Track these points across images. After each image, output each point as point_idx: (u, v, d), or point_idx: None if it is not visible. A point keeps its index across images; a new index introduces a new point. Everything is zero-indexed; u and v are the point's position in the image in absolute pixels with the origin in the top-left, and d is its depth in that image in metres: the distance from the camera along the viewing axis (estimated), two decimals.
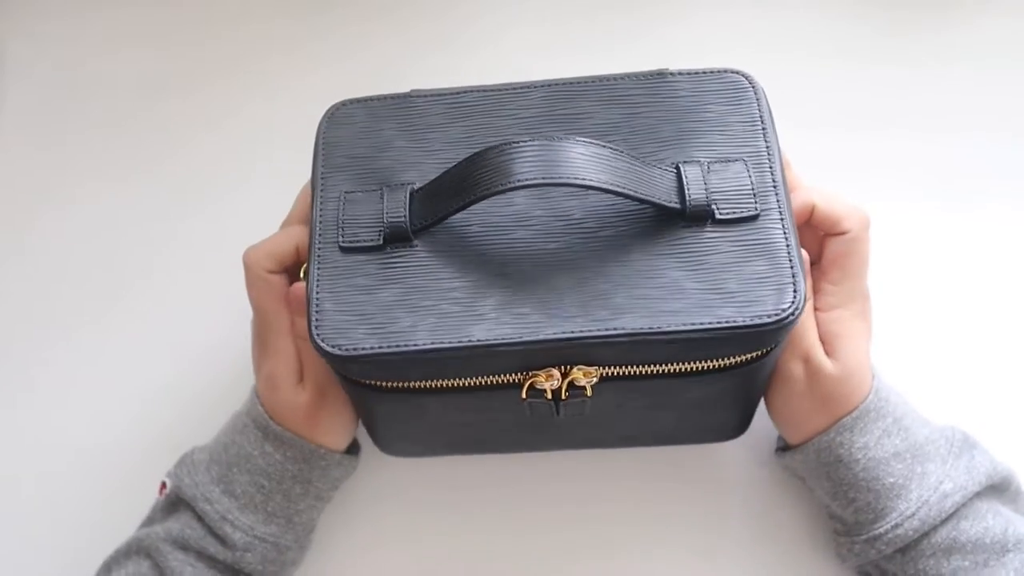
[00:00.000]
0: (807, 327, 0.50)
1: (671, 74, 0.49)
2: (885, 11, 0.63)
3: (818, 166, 0.57)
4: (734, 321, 0.42)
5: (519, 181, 0.41)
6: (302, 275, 0.51)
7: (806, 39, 0.63)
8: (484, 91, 0.50)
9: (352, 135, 0.50)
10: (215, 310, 0.60)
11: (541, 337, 0.43)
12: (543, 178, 0.41)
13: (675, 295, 0.43)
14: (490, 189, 0.42)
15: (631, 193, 0.43)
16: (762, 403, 0.54)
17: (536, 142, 0.42)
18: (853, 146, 0.61)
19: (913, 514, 0.49)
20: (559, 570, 0.57)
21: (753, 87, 0.49)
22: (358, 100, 0.51)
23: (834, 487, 0.51)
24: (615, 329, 0.42)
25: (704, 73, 0.49)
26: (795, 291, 0.43)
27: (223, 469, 0.53)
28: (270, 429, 0.53)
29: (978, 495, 0.50)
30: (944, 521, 0.49)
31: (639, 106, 0.48)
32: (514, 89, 0.50)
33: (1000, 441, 0.53)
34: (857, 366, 0.50)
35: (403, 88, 0.63)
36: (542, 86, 0.50)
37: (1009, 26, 0.62)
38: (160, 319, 0.62)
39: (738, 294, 0.43)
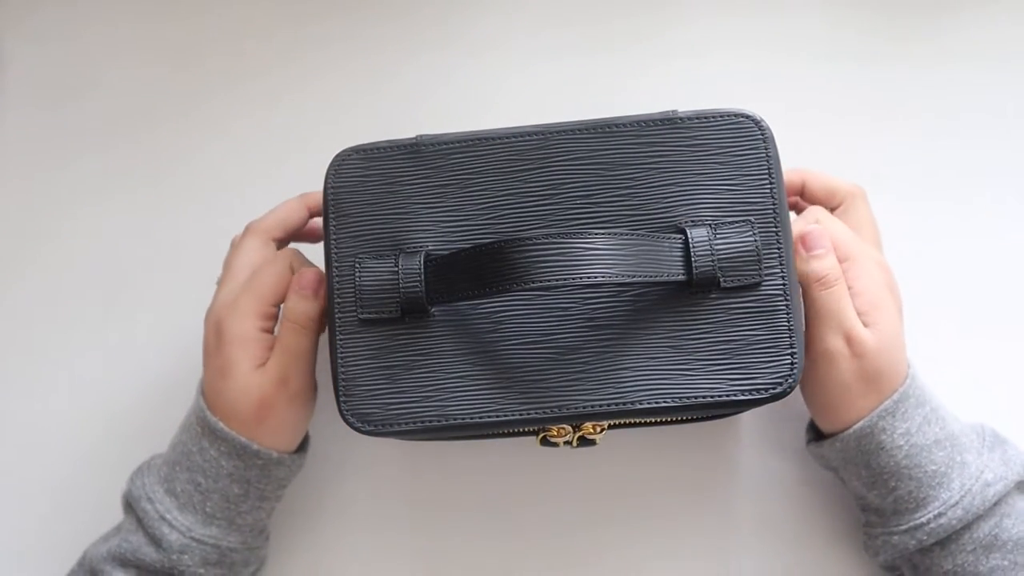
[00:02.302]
0: (844, 305, 0.49)
1: (680, 119, 0.49)
2: (885, 11, 0.63)
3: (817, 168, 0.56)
4: (732, 396, 0.46)
5: (535, 281, 0.44)
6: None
7: (806, 39, 0.63)
8: (491, 142, 0.50)
9: (360, 191, 0.50)
10: None
11: (559, 415, 0.47)
12: (558, 279, 0.44)
13: (680, 367, 0.47)
14: (506, 287, 0.44)
15: (641, 279, 0.46)
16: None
17: (553, 241, 0.44)
18: (853, 146, 0.61)
19: (957, 503, 0.48)
20: (552, 569, 0.58)
21: (763, 133, 0.49)
22: (362, 150, 0.50)
23: (873, 476, 0.50)
24: (623, 405, 0.47)
25: (714, 117, 0.49)
26: (792, 363, 0.47)
27: (170, 468, 0.52)
28: (207, 421, 0.50)
29: (1019, 488, 0.50)
30: (987, 515, 0.49)
31: (650, 160, 0.49)
32: (523, 139, 0.50)
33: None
34: (894, 336, 0.49)
35: (404, 90, 0.64)
36: (551, 134, 0.49)
37: (1010, 25, 0.62)
38: (159, 322, 0.62)
39: (737, 367, 0.47)
